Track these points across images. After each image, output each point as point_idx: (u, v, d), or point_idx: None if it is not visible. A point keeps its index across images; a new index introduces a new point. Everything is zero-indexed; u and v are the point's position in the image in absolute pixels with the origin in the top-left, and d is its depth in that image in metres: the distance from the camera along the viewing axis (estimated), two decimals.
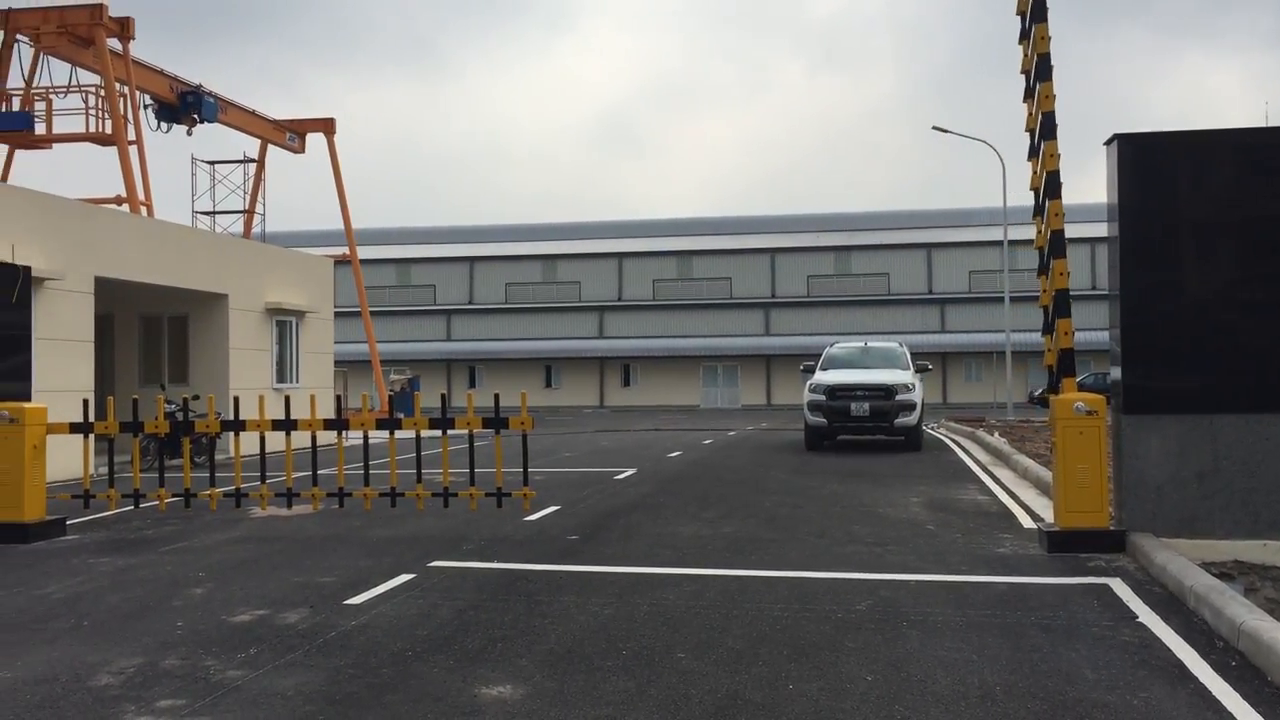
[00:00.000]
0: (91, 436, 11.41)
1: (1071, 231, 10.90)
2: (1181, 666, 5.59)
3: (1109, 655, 5.82)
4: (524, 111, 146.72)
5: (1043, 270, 9.43)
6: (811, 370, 21.86)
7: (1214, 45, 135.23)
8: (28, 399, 11.19)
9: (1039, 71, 9.32)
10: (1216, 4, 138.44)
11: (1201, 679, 5.37)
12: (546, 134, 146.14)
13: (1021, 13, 9.53)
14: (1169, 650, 5.89)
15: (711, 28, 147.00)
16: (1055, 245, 9.28)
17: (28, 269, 11.61)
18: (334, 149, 32.89)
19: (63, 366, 16.97)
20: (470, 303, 62.85)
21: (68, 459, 13.93)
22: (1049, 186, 9.31)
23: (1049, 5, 9.40)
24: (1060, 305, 9.25)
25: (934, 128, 36.78)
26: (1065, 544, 8.83)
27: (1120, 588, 7.48)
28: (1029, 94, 9.51)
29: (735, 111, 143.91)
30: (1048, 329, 9.42)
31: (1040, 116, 9.34)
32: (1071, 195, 9.62)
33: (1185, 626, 6.36)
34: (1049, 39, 9.33)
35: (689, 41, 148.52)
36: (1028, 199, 9.92)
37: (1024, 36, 9.52)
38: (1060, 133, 9.26)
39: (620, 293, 61.67)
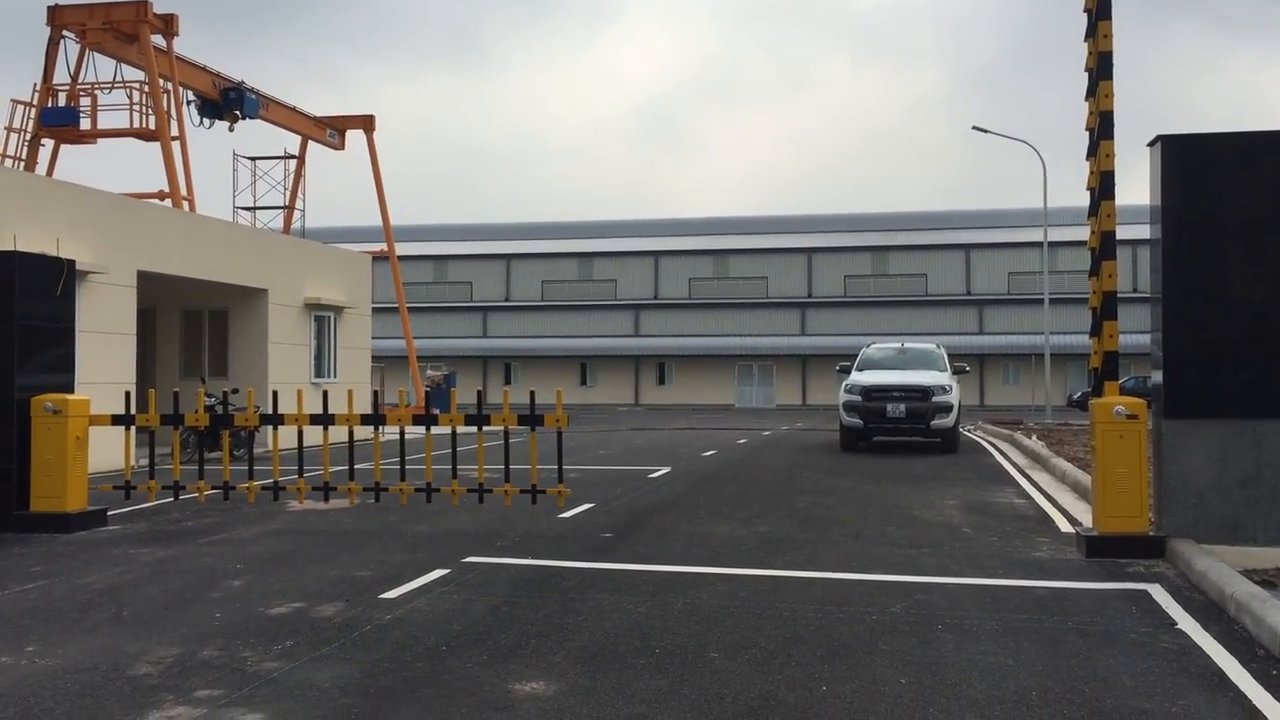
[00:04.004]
0: (133, 428, 11.57)
1: None
2: (1221, 675, 5.52)
3: (1147, 662, 5.76)
4: (563, 106, 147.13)
5: (1093, 272, 9.33)
6: (848, 371, 21.77)
7: (1270, 42, 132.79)
8: (71, 391, 11.34)
9: (1101, 69, 9.21)
10: None
11: (1241, 687, 5.30)
12: (585, 129, 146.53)
13: (1089, 9, 9.37)
14: (1208, 658, 5.82)
15: (753, 21, 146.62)
16: (1106, 246, 9.19)
17: (72, 262, 11.76)
18: (373, 146, 33.11)
19: (105, 359, 17.19)
20: (506, 300, 63.08)
21: (109, 450, 14.11)
22: (1104, 186, 9.21)
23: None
24: (1108, 307, 9.15)
25: (974, 128, 36.47)
26: (1104, 549, 8.74)
27: (1159, 594, 7.40)
28: (1091, 92, 9.38)
29: (775, 106, 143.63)
30: (1095, 331, 9.31)
31: (1100, 115, 9.24)
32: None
33: (1225, 634, 6.27)
34: (1112, 36, 9.21)
35: (730, 34, 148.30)
36: (1067, 200, 9.86)
37: (1090, 34, 9.38)
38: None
39: (656, 291, 61.68)
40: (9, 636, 6.40)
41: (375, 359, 29.59)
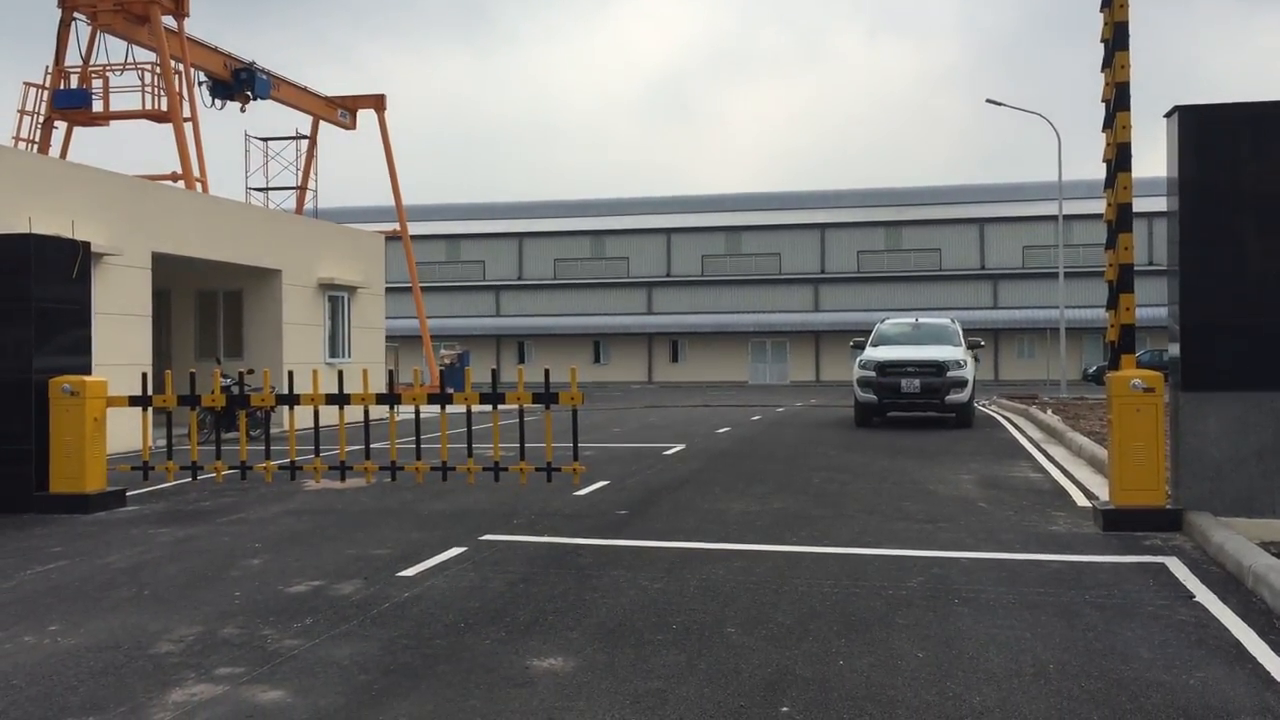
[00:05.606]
0: (150, 409, 11.62)
1: None
2: (1239, 646, 5.51)
3: (1165, 634, 5.75)
4: (575, 82, 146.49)
5: (1110, 245, 9.28)
6: (861, 346, 21.70)
7: None
8: (88, 372, 11.40)
9: (1117, 39, 9.13)
10: None
11: (1260, 659, 5.29)
12: (597, 104, 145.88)
13: None
14: (1226, 630, 5.81)
15: None
16: (1123, 219, 9.14)
17: (87, 244, 11.79)
18: (385, 125, 33.03)
19: (121, 340, 17.26)
20: (519, 278, 63.06)
21: (127, 432, 14.19)
22: (1120, 158, 9.15)
23: None
24: (1124, 280, 9.11)
25: (988, 101, 36.21)
26: (1120, 522, 8.73)
27: (1177, 567, 7.38)
28: (1107, 63, 9.30)
29: (789, 79, 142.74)
30: (1112, 304, 9.27)
31: (1116, 86, 9.16)
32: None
33: (1243, 606, 6.26)
34: (1128, 6, 9.13)
35: (744, 6, 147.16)
36: (1081, 173, 9.79)
37: (1105, 3, 9.29)
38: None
39: (669, 268, 61.57)
40: (32, 616, 6.46)
41: (389, 339, 29.64)
